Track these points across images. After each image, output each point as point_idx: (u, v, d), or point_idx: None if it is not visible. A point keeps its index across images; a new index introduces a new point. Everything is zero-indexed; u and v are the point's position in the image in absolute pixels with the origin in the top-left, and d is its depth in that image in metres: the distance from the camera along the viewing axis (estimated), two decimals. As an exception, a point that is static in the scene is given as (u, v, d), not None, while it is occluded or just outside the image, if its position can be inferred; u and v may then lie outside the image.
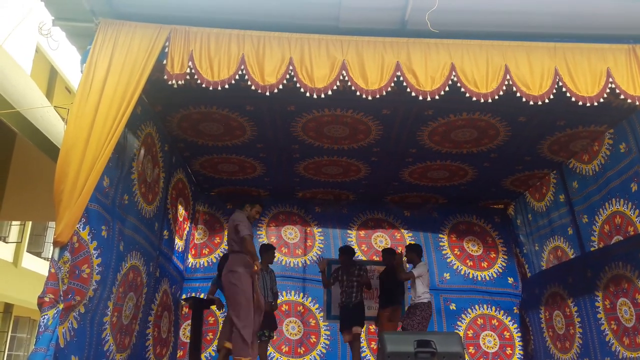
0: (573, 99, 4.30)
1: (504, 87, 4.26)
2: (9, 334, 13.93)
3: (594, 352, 6.18)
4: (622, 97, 4.33)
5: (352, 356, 6.68)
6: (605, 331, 5.97)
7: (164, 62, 4.18)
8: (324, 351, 7.20)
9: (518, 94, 4.28)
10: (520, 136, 6.07)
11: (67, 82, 13.94)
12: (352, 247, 7.44)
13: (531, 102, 4.27)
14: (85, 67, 4.08)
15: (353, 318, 6.73)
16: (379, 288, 7.10)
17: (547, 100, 4.27)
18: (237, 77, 4.18)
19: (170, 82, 4.15)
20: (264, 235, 7.98)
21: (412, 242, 7.54)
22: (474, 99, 4.26)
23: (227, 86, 4.18)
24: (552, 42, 4.42)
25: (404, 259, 7.16)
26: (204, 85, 4.17)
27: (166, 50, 4.20)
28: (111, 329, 4.44)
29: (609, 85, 4.31)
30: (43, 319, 3.42)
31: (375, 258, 7.95)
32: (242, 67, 4.18)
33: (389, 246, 7.95)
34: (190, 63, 4.15)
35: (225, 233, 7.94)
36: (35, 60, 11.63)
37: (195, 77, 4.16)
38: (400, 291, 7.21)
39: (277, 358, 7.30)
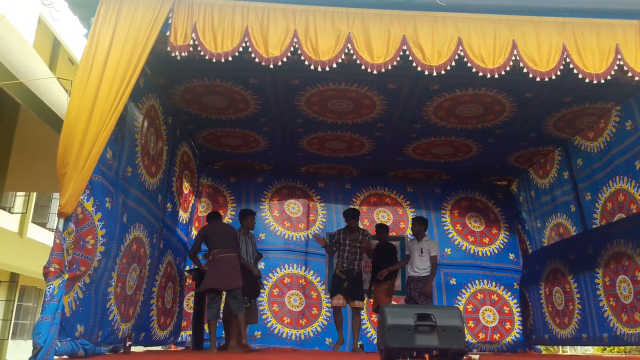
0: (580, 76, 4.25)
1: (511, 63, 4.21)
2: (15, 302, 14.15)
3: (592, 327, 6.26)
4: (630, 74, 4.28)
5: (352, 331, 6.48)
6: (604, 307, 6.03)
7: (167, 33, 4.14)
8: (325, 323, 7.30)
9: (525, 70, 4.24)
10: (526, 112, 6.02)
11: (70, 53, 13.84)
12: (357, 209, 7.07)
13: (538, 79, 4.23)
14: (88, 38, 4.04)
15: (357, 290, 6.41)
16: (373, 262, 7.10)
17: (554, 77, 4.23)
18: (240, 49, 4.14)
19: (173, 54, 4.12)
20: (267, 210, 8.01)
21: (420, 216, 7.37)
22: (481, 74, 4.21)
23: (230, 58, 4.14)
24: (562, 17, 4.35)
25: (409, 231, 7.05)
26: (207, 57, 4.13)
27: (169, 21, 4.15)
28: (115, 299, 4.50)
29: (617, 62, 4.25)
30: (49, 288, 3.46)
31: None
32: (246, 39, 4.13)
33: (390, 222, 8.00)
34: (193, 34, 4.11)
35: (229, 207, 8.01)
36: (38, 31, 11.52)
37: (199, 48, 4.12)
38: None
39: (279, 329, 7.41)
